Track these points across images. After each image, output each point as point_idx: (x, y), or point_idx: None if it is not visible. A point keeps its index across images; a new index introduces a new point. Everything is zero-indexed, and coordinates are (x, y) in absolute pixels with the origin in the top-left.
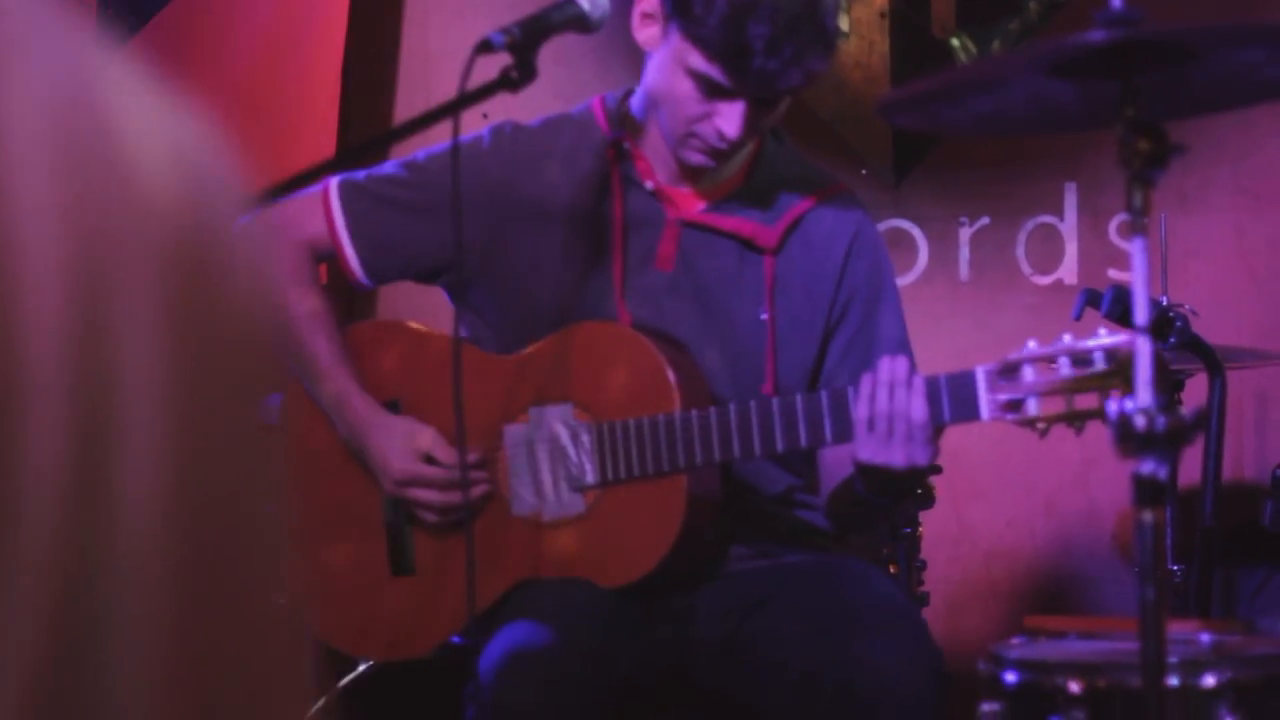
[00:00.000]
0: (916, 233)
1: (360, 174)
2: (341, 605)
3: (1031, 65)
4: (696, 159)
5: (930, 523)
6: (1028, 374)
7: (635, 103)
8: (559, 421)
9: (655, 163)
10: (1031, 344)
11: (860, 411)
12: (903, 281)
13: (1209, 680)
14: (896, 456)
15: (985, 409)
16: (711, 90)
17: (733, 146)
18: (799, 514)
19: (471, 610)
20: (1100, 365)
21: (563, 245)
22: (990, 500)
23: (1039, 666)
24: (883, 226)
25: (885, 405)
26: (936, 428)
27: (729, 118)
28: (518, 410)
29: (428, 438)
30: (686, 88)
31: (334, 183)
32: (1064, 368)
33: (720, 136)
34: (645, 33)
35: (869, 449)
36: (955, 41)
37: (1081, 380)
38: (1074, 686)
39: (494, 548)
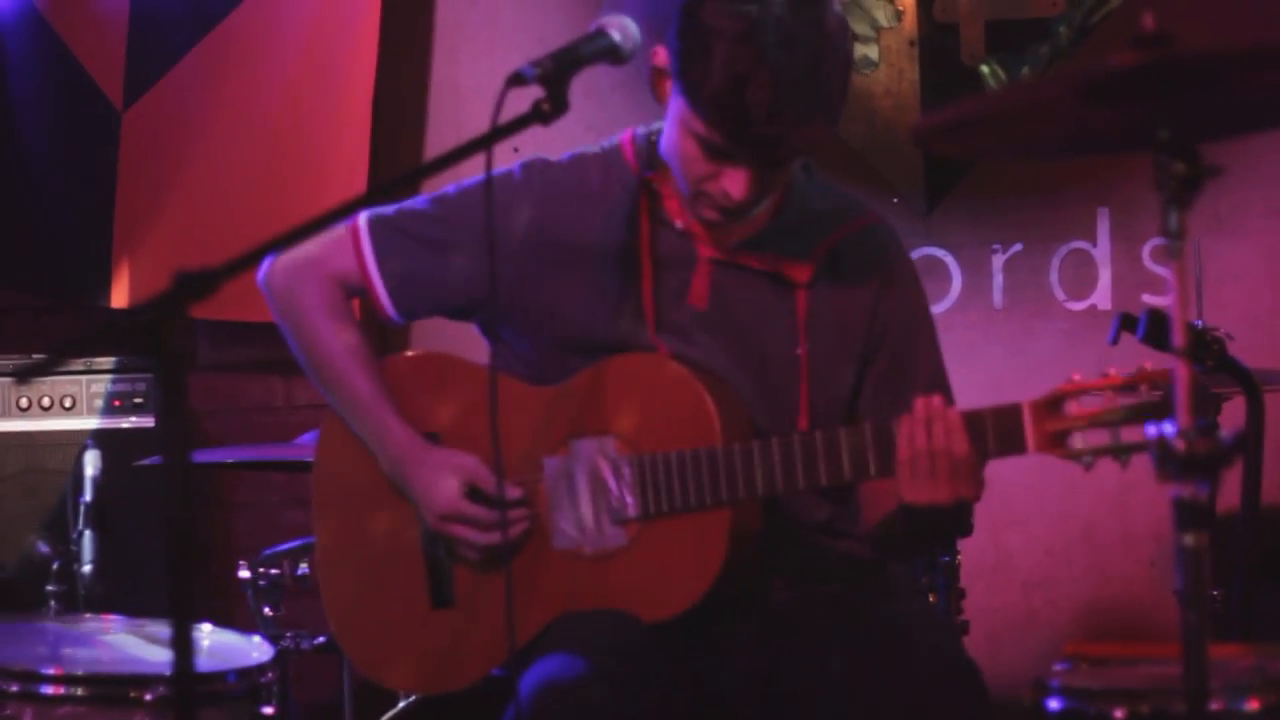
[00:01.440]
0: (949, 260)
1: (391, 209)
2: (382, 639)
3: (1065, 89)
4: (709, 215)
5: (969, 551)
6: (1072, 407)
7: (662, 144)
8: (599, 454)
9: (684, 203)
10: (1076, 376)
11: (901, 453)
12: (936, 309)
13: (1252, 704)
14: (942, 493)
15: (1032, 443)
16: (715, 153)
17: (741, 207)
18: (839, 543)
19: (512, 645)
20: (1144, 396)
21: (594, 281)
22: (1028, 528)
23: (1083, 694)
24: (915, 255)
25: (924, 443)
26: (981, 460)
27: (734, 180)
28: (557, 442)
29: (470, 466)
30: (692, 148)
31: (363, 218)
32: (1108, 399)
33: (727, 197)
34: (658, 88)
35: (914, 489)
36: (985, 68)
37: (1127, 410)
38: (1119, 713)
39: (534, 581)
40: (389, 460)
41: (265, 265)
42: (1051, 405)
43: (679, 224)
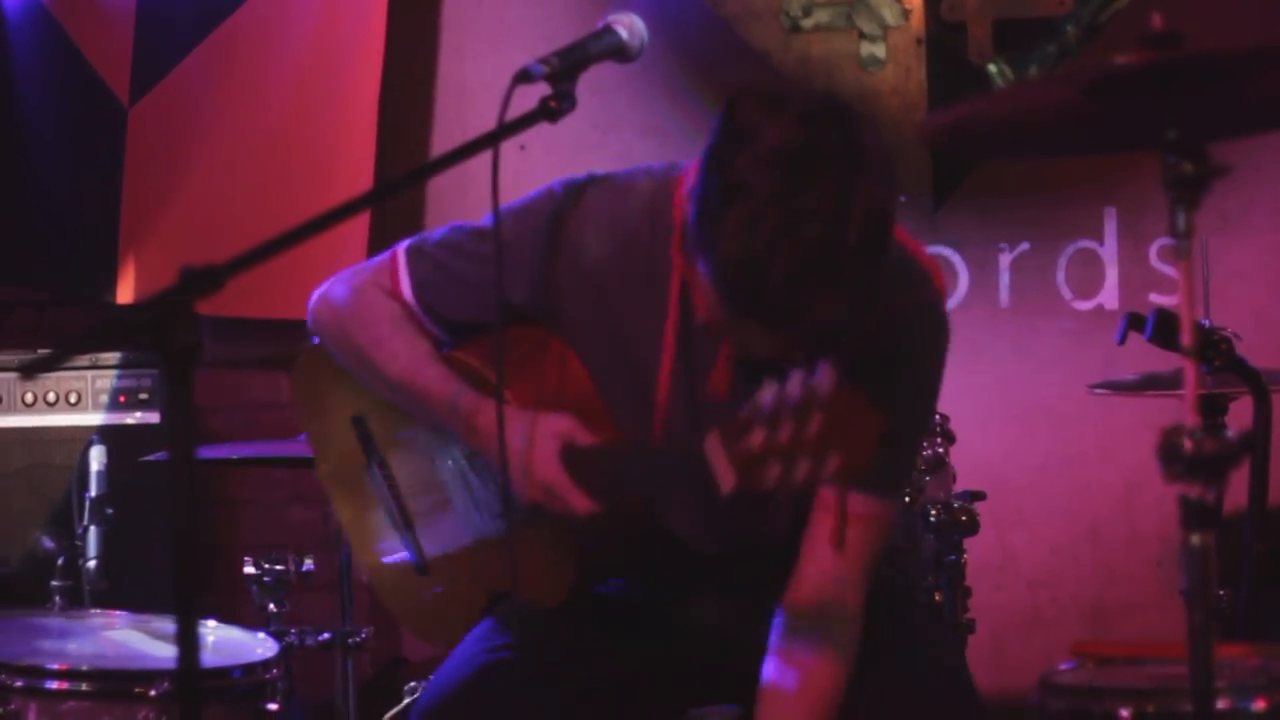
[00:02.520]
0: (956, 259)
1: (434, 236)
2: (397, 599)
3: (1073, 88)
4: (741, 352)
5: (974, 550)
6: None
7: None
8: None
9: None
10: None
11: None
12: None
13: (1259, 704)
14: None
15: None
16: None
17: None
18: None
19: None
20: None
21: (613, 336)
22: (1034, 528)
23: (1089, 693)
24: None
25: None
26: None
27: (758, 339)
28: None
29: (565, 424)
30: (712, 294)
31: (403, 249)
32: None
33: (748, 350)
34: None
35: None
36: (993, 68)
37: None
38: (1124, 713)
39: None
40: (469, 430)
41: (313, 302)
42: None
43: (703, 318)
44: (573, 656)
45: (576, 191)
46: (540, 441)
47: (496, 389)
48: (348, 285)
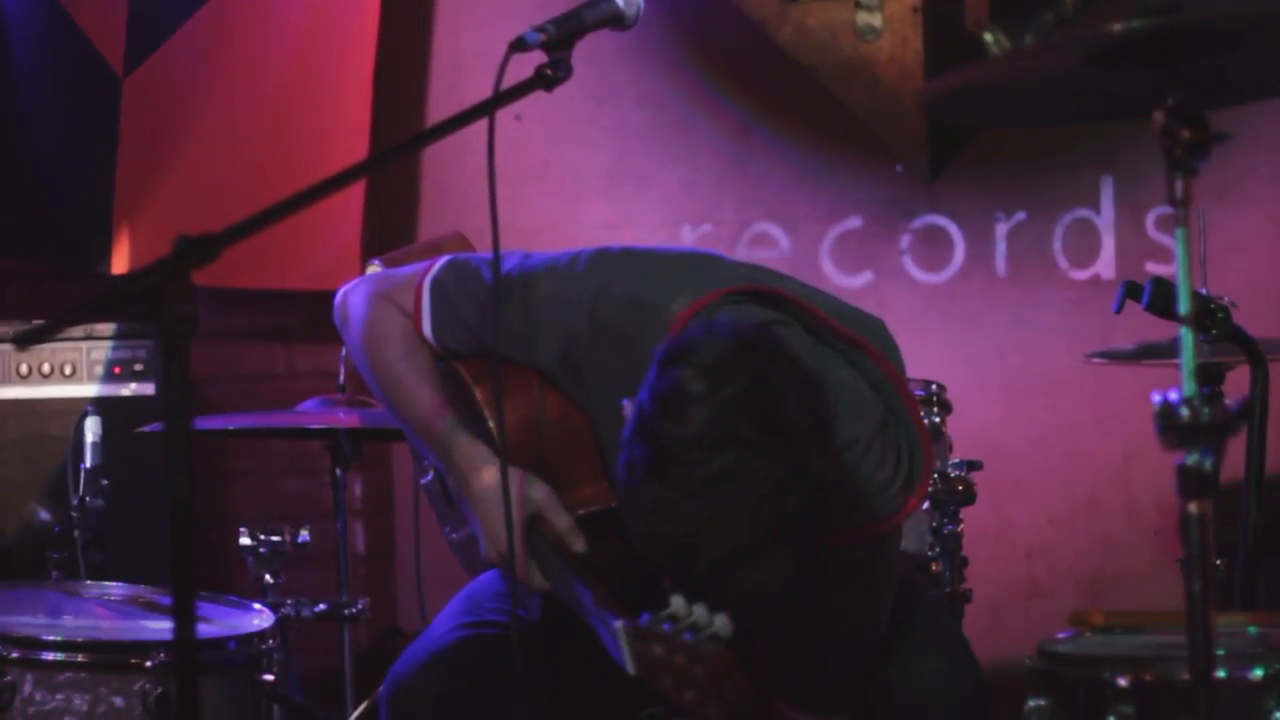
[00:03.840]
0: (953, 229)
1: (459, 268)
2: None
3: (1070, 55)
4: None
5: (971, 520)
6: None
7: None
8: None
9: None
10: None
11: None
12: (939, 279)
13: (1257, 673)
14: None
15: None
16: None
17: None
18: None
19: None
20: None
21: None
22: (1031, 498)
23: (1087, 661)
24: (918, 223)
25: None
26: None
27: None
28: None
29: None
30: None
31: (427, 283)
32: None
33: None
34: None
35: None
36: (989, 36)
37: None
38: (1122, 680)
39: None
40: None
41: (337, 300)
42: None
43: None
44: (551, 645)
45: (609, 267)
46: (519, 508)
47: (500, 444)
48: (368, 295)
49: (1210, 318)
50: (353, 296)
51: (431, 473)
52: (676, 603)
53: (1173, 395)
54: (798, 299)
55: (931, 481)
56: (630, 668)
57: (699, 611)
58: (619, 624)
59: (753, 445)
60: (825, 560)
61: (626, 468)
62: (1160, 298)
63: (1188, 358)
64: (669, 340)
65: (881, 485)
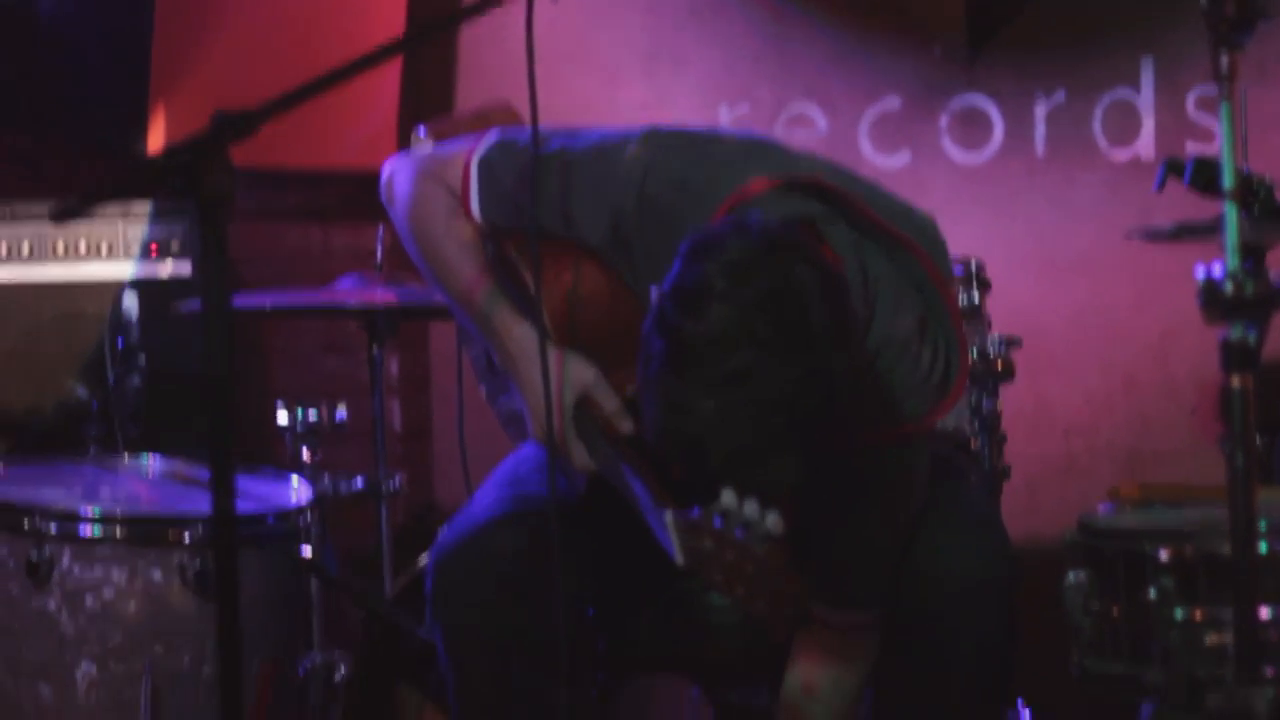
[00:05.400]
0: (992, 109)
1: (506, 148)
2: None
3: None
4: None
5: (1009, 399)
6: None
7: None
8: None
9: None
10: None
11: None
12: (977, 160)
13: None
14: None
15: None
16: None
17: None
18: None
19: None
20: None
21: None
22: (1069, 376)
23: (1127, 534)
24: (957, 104)
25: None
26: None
27: None
28: None
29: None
30: None
31: (476, 160)
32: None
33: None
34: None
35: None
36: None
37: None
38: (1162, 554)
39: None
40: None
41: (384, 176)
42: None
43: None
44: (595, 517)
45: (661, 147)
46: (559, 388)
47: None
48: (415, 173)
49: (1253, 194)
50: (399, 175)
51: (478, 346)
52: (728, 497)
53: (1216, 269)
54: (844, 191)
55: (971, 359)
56: (680, 559)
57: (750, 508)
58: (669, 515)
59: (771, 347)
60: (854, 458)
61: (644, 359)
62: (1202, 174)
63: (1231, 233)
64: (700, 232)
65: (915, 387)
